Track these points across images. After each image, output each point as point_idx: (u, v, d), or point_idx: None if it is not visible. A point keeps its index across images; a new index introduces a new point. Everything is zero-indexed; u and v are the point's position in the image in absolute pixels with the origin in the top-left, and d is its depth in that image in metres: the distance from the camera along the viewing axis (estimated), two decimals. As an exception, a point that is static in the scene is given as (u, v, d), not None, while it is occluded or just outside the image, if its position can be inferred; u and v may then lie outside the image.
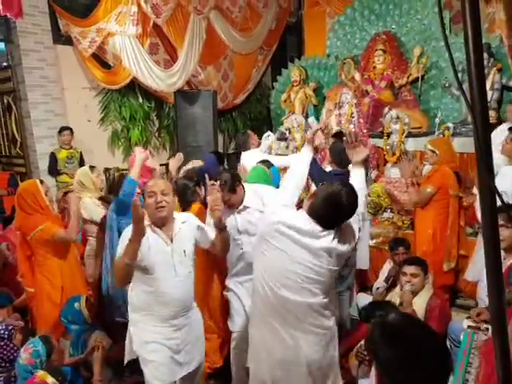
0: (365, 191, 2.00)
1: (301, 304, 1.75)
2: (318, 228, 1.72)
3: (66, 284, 2.85)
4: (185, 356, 2.07)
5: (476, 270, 2.90)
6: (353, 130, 4.38)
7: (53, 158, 5.13)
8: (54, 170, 5.15)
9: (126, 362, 2.09)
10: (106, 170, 5.22)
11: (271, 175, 2.95)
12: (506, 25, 2.06)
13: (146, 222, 1.86)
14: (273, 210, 1.87)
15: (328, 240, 1.72)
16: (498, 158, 3.07)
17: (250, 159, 3.63)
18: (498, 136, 3.32)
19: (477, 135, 0.86)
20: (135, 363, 2.19)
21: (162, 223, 1.97)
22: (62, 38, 5.36)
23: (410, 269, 2.63)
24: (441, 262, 3.30)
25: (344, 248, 1.75)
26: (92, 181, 3.17)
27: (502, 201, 0.91)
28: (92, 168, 3.25)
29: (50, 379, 1.93)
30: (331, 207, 1.70)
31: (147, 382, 2.01)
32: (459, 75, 5.15)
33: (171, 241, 1.98)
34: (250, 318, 1.99)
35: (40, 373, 2.03)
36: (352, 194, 1.72)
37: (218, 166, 3.71)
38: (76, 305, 2.71)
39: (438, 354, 0.99)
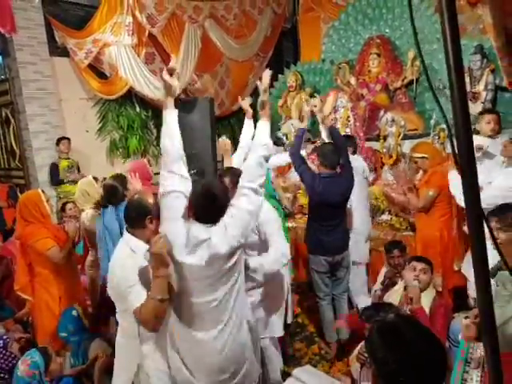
0: (266, 151, 1.90)
1: (204, 304, 1.76)
2: (204, 227, 1.74)
3: (63, 294, 2.86)
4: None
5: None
6: None
7: (54, 168, 5.16)
8: (56, 180, 5.18)
9: None
10: (105, 179, 5.26)
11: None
12: (493, 28, 2.09)
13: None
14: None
15: (217, 230, 1.74)
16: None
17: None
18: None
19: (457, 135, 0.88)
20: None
21: None
22: (58, 49, 5.41)
23: (419, 264, 2.59)
24: (450, 263, 3.30)
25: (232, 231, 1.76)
26: (97, 191, 3.22)
27: (482, 212, 0.93)
28: (95, 179, 3.30)
29: None
30: (209, 199, 1.73)
31: None
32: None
33: None
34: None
35: None
36: (222, 186, 1.87)
37: None
38: (73, 312, 2.73)
39: (434, 356, 1.00)
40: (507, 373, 1.44)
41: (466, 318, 2.50)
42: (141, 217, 1.82)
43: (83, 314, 2.71)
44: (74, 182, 5.06)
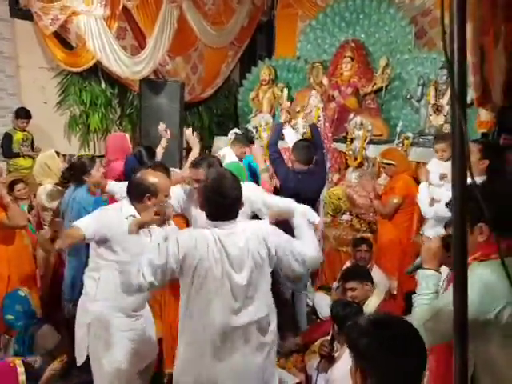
0: None
1: None
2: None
3: (12, 273, 2.66)
4: (143, 347, 2.07)
5: None
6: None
7: (8, 139, 4.78)
8: (9, 152, 4.79)
9: (81, 361, 2.03)
10: (62, 156, 4.97)
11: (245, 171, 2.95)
12: (471, 43, 2.17)
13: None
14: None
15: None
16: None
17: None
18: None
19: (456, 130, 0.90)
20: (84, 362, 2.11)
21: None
22: (20, 11, 5.03)
23: (348, 284, 2.63)
24: (407, 268, 3.42)
25: None
26: (57, 165, 3.05)
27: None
28: (57, 153, 3.13)
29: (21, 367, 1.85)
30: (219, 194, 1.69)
31: (108, 375, 1.98)
32: (420, 88, 5.41)
33: (149, 232, 2.02)
34: None
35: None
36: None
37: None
38: (20, 293, 2.56)
39: (413, 337, 1.03)
40: (437, 362, 1.52)
41: None
42: (140, 194, 1.97)
43: (32, 298, 2.54)
44: (29, 156, 4.75)
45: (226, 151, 4.09)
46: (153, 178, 1.98)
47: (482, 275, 1.22)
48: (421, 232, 3.40)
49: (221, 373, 1.65)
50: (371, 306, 2.62)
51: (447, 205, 1.59)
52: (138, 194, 1.96)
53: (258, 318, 1.68)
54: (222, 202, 1.66)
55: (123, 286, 1.69)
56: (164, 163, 3.01)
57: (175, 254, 1.59)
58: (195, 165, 2.36)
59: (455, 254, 0.98)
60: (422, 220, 3.47)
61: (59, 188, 2.98)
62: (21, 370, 1.79)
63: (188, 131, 3.31)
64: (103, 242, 1.94)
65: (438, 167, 3.32)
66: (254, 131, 5.42)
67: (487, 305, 1.20)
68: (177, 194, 2.35)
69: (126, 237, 1.92)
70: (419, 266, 1.50)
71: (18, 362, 1.83)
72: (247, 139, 4.23)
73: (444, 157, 3.32)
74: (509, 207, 1.24)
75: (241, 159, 3.81)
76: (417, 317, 1.35)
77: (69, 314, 2.51)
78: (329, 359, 2.03)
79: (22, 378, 1.91)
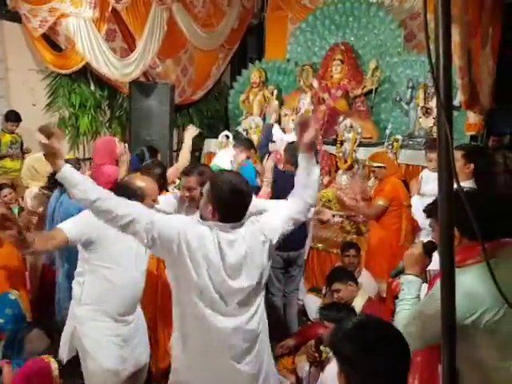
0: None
1: None
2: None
3: (1, 277, 2.63)
4: (131, 353, 2.07)
5: None
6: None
7: None
8: None
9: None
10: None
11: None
12: (460, 47, 2.20)
13: None
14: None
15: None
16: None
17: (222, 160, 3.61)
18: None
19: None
20: (74, 366, 2.10)
21: None
22: (8, 13, 4.97)
23: (332, 287, 2.69)
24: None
25: None
26: (45, 168, 3.01)
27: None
28: None
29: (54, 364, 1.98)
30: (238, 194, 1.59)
31: (95, 380, 1.98)
32: (409, 91, 5.46)
33: None
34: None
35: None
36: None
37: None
38: (11, 296, 2.54)
39: (396, 339, 1.03)
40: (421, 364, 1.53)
41: None
42: (126, 198, 1.87)
43: (22, 301, 2.51)
44: (18, 158, 4.72)
45: (220, 155, 4.08)
46: (140, 181, 1.97)
47: (463, 282, 1.21)
48: (416, 240, 3.42)
49: (213, 377, 1.64)
50: (357, 306, 2.64)
51: (424, 211, 1.61)
52: (125, 197, 1.90)
53: (249, 321, 1.64)
54: (241, 202, 1.56)
55: (83, 199, 1.59)
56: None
57: (151, 231, 1.53)
58: (186, 173, 2.33)
59: (442, 256, 0.99)
60: (414, 226, 3.50)
61: (45, 192, 2.95)
62: (54, 366, 1.93)
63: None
64: (88, 244, 1.93)
65: (430, 176, 3.36)
66: (245, 134, 5.43)
67: (465, 312, 1.21)
68: (169, 201, 2.34)
69: (111, 240, 1.91)
70: (402, 271, 1.52)
71: (52, 359, 1.96)
72: (250, 143, 4.20)
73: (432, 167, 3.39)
74: (493, 210, 1.26)
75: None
76: (399, 322, 1.36)
77: (62, 323, 2.48)
78: (320, 365, 2.02)
79: (56, 373, 2.02)
